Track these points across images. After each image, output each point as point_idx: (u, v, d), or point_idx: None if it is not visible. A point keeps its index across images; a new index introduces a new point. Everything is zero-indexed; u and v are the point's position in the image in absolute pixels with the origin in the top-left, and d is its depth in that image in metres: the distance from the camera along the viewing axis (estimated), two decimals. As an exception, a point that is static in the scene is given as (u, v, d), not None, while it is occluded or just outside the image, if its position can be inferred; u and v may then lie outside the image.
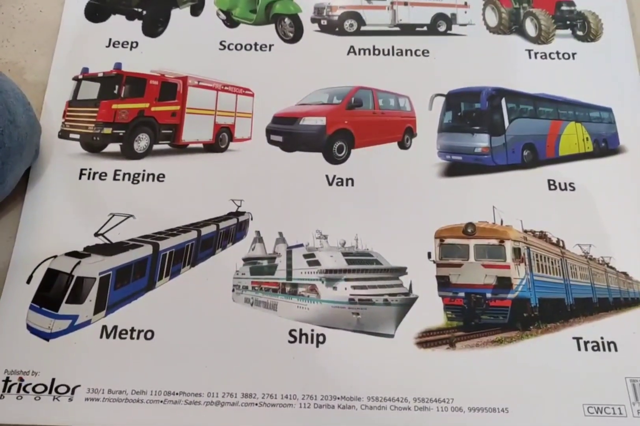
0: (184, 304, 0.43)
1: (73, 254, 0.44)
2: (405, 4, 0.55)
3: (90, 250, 0.45)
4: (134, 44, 0.53)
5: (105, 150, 0.49)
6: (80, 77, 0.51)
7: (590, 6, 0.55)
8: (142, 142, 0.49)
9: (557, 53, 0.53)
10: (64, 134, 0.49)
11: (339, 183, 0.48)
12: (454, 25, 0.54)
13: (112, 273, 0.44)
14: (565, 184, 0.48)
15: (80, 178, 0.48)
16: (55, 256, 0.44)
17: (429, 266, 0.45)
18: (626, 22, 0.54)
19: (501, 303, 0.43)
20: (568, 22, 0.54)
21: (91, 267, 0.44)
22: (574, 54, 0.53)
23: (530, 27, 0.54)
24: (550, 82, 0.52)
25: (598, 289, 0.45)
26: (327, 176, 0.48)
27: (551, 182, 0.48)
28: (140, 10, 0.55)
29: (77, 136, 0.49)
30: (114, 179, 0.48)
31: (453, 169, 0.49)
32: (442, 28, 0.54)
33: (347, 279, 0.43)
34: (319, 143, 0.49)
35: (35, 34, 0.54)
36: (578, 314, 0.43)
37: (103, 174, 0.48)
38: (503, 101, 0.50)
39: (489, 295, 0.43)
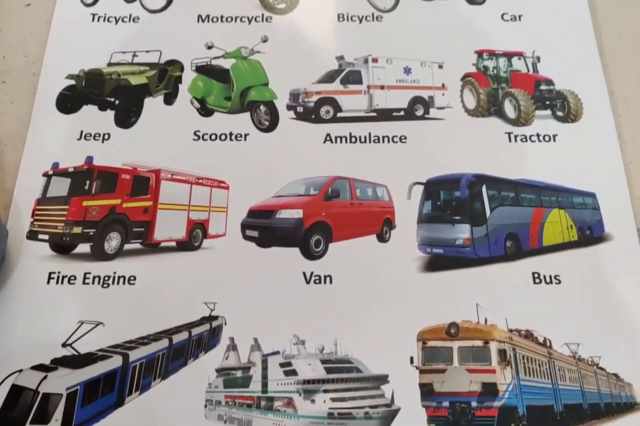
0: (153, 424, 0.42)
1: (39, 367, 0.44)
2: (382, 87, 0.57)
3: (57, 362, 0.44)
4: (106, 136, 0.54)
5: (75, 251, 0.50)
6: (51, 172, 0.52)
7: (569, 85, 0.56)
8: (113, 241, 0.50)
9: (538, 135, 0.54)
10: (32, 235, 0.50)
11: (317, 281, 0.48)
12: (431, 109, 0.56)
13: (79, 388, 0.44)
14: (550, 277, 0.48)
15: (48, 282, 0.48)
16: (20, 370, 0.44)
17: (412, 372, 0.45)
18: (606, 101, 0.55)
19: (487, 413, 0.42)
20: (548, 102, 0.55)
21: (58, 382, 0.43)
22: (554, 136, 0.54)
23: (509, 109, 0.56)
24: (532, 166, 0.53)
25: (588, 393, 0.45)
26: (304, 273, 0.49)
27: (536, 275, 0.49)
28: (112, 99, 0.56)
29: (46, 237, 0.49)
30: (84, 282, 0.48)
31: (434, 264, 0.49)
32: (420, 112, 0.56)
33: (325, 391, 0.43)
34: (296, 237, 0.50)
35: (5, 126, 0.56)
36: (568, 422, 0.43)
37: (72, 278, 0.48)
38: (484, 188, 0.51)
39: (474, 404, 0.43)
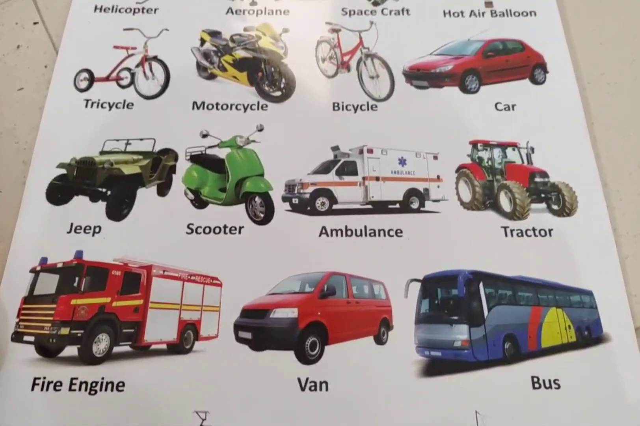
0: None
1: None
2: (377, 179, 0.58)
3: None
4: (97, 229, 0.55)
5: (62, 354, 0.50)
6: (38, 268, 0.53)
7: (563, 177, 0.58)
8: (101, 344, 0.50)
9: (534, 229, 0.56)
10: (17, 337, 0.50)
11: (312, 388, 0.48)
12: (427, 201, 0.58)
13: None
14: (550, 381, 0.49)
15: (32, 389, 0.48)
16: None
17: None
18: (599, 194, 0.57)
19: None
20: (543, 195, 0.58)
21: None
22: (550, 231, 0.56)
23: (505, 202, 0.57)
24: (528, 262, 0.55)
25: None
26: (299, 380, 0.49)
27: (535, 379, 0.49)
28: (104, 190, 0.57)
29: (32, 339, 0.49)
30: (70, 389, 0.48)
31: (433, 368, 0.49)
32: (415, 205, 0.57)
33: None
34: (291, 339, 0.50)
35: (-7, 217, 0.56)
36: None
37: (58, 384, 0.48)
38: (481, 286, 0.52)
39: None
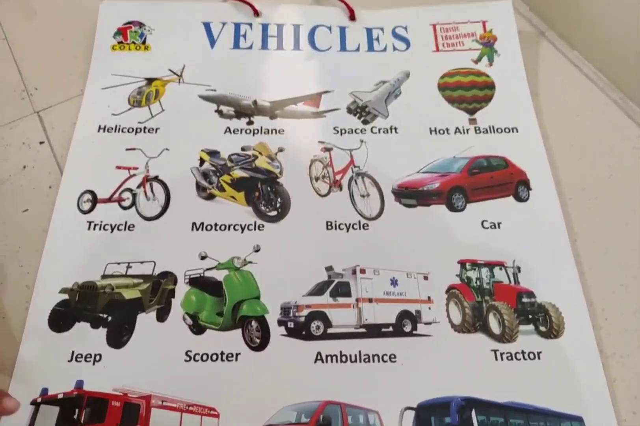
0: None
1: None
2: (370, 300, 0.63)
3: None
4: (97, 357, 0.59)
5: None
6: (39, 400, 0.56)
7: (549, 297, 0.63)
8: (100, 481, 0.52)
9: (523, 352, 0.60)
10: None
11: None
12: (419, 324, 0.62)
13: None
14: None
15: None
16: None
17: None
18: (585, 314, 0.62)
19: None
20: (530, 316, 0.62)
21: None
22: (539, 353, 0.60)
23: (494, 323, 0.62)
24: (518, 386, 0.58)
25: None
26: None
27: None
28: (105, 316, 0.61)
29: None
30: None
31: None
32: (408, 328, 0.61)
33: None
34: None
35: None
36: None
37: None
38: (473, 414, 0.56)
39: None
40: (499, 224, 0.68)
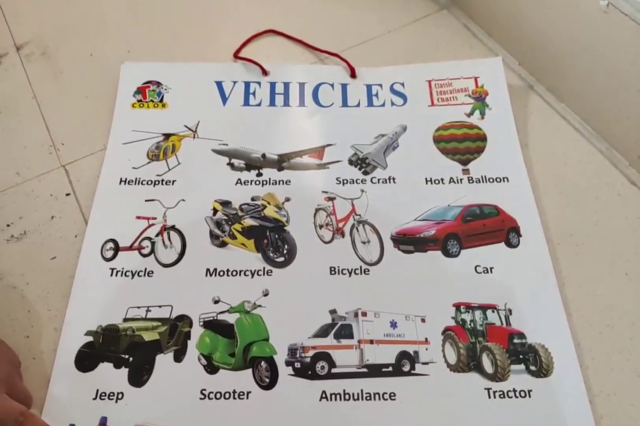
0: None
1: None
2: (371, 342, 0.70)
3: None
4: (120, 396, 0.66)
5: None
6: (66, 437, 0.63)
7: (539, 338, 0.69)
8: None
9: (514, 391, 0.66)
10: None
11: None
12: (417, 364, 0.68)
13: None
14: None
15: None
16: None
17: None
18: (572, 354, 0.68)
19: None
20: (521, 357, 0.68)
21: None
22: (529, 391, 0.66)
23: (487, 363, 0.68)
24: (510, 423, 0.64)
25: None
26: None
27: None
28: (127, 356, 0.68)
29: None
30: None
31: None
32: (406, 368, 0.68)
33: None
34: None
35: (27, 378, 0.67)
36: None
37: None
38: (468, 449, 0.62)
39: None
40: (491, 268, 0.75)
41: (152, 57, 0.98)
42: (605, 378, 0.68)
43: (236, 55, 0.98)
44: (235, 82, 0.94)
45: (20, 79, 0.98)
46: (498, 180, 0.84)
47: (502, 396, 0.66)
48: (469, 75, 0.94)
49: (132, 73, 0.95)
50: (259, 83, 0.94)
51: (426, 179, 0.84)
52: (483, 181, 0.84)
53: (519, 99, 0.94)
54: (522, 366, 0.69)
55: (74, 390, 0.67)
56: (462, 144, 0.87)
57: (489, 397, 0.66)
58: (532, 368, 0.68)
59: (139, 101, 0.92)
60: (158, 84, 0.94)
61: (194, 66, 0.96)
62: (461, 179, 0.84)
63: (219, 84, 0.93)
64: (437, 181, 0.84)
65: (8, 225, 0.81)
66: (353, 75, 0.94)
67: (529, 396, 0.66)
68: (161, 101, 0.92)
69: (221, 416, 0.65)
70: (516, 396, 0.66)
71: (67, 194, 0.84)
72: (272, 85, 0.94)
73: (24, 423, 0.59)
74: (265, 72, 0.95)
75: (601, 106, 0.88)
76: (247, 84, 0.94)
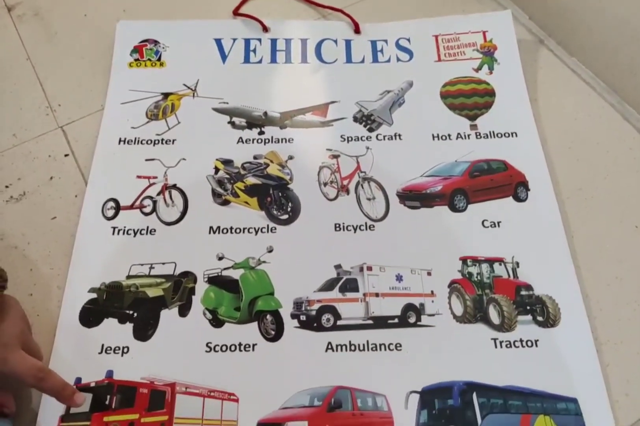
0: None
1: None
2: (377, 295, 0.73)
3: None
4: (125, 350, 0.70)
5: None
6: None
7: (546, 290, 0.73)
8: (131, 459, 0.62)
9: (521, 341, 0.70)
10: (56, 456, 0.63)
11: None
12: (422, 316, 0.72)
13: None
14: (541, 487, 0.61)
15: None
16: None
17: None
18: (580, 305, 0.72)
19: None
20: (528, 308, 0.72)
21: None
22: (536, 341, 0.70)
23: (493, 315, 0.72)
24: (516, 372, 0.68)
25: None
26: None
27: (528, 486, 0.61)
28: (131, 312, 0.72)
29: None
30: None
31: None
32: (412, 319, 0.72)
33: None
34: None
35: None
36: None
37: None
38: (474, 396, 0.65)
39: None
40: (498, 223, 0.78)
41: (148, 16, 1.01)
42: (612, 328, 0.71)
43: (235, 12, 1.00)
44: (235, 40, 0.96)
45: (13, 40, 1.01)
46: (507, 135, 0.86)
47: (508, 346, 0.70)
48: (477, 29, 0.96)
49: (128, 32, 0.97)
50: (260, 40, 0.96)
51: (433, 135, 0.87)
52: (491, 137, 0.86)
53: (528, 54, 0.96)
54: (529, 317, 0.72)
55: (79, 344, 0.70)
56: (470, 100, 0.89)
57: (496, 347, 0.69)
58: (539, 318, 0.72)
59: (136, 60, 0.95)
60: (155, 42, 0.96)
61: (191, 24, 0.98)
62: (469, 135, 0.87)
63: (218, 42, 0.96)
64: (444, 137, 0.86)
65: (7, 186, 0.84)
66: (357, 31, 0.97)
67: (536, 345, 0.70)
68: (159, 59, 0.95)
69: (227, 367, 0.69)
70: (523, 346, 0.70)
71: (66, 155, 0.87)
72: (273, 41, 0.96)
73: (44, 379, 0.63)
74: (265, 29, 0.97)
75: (613, 60, 0.91)
76: (247, 41, 0.96)
